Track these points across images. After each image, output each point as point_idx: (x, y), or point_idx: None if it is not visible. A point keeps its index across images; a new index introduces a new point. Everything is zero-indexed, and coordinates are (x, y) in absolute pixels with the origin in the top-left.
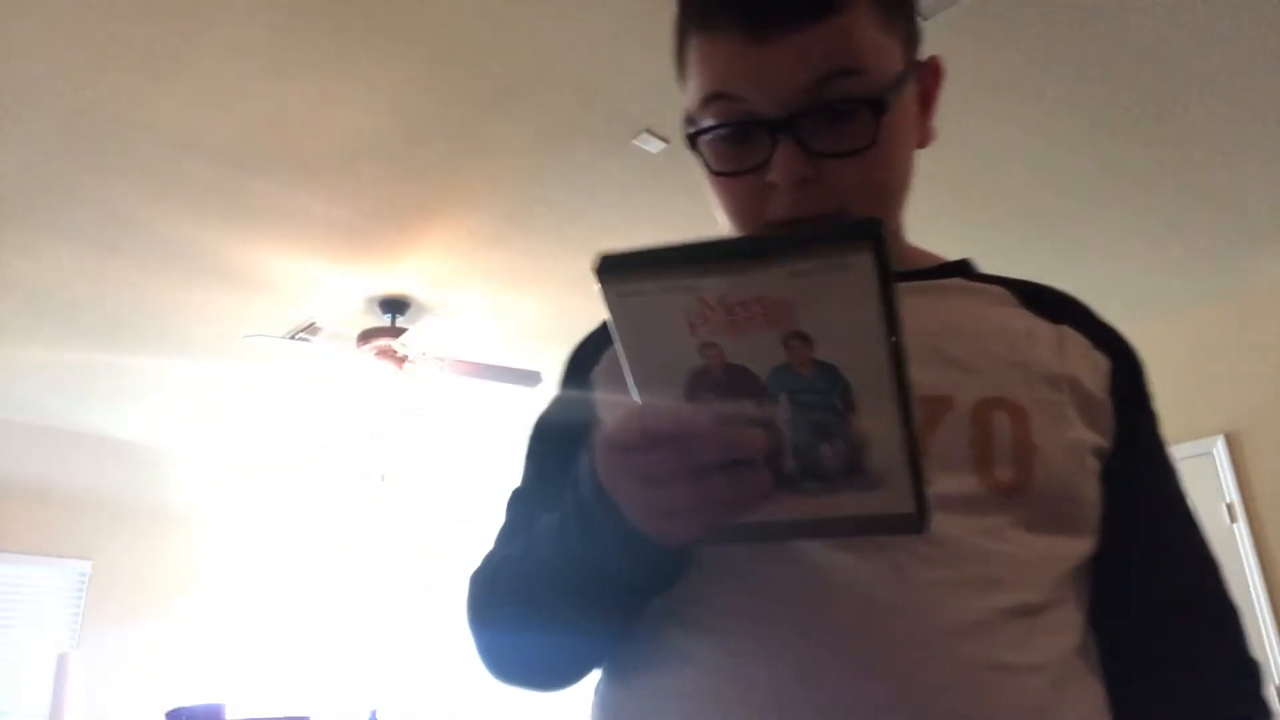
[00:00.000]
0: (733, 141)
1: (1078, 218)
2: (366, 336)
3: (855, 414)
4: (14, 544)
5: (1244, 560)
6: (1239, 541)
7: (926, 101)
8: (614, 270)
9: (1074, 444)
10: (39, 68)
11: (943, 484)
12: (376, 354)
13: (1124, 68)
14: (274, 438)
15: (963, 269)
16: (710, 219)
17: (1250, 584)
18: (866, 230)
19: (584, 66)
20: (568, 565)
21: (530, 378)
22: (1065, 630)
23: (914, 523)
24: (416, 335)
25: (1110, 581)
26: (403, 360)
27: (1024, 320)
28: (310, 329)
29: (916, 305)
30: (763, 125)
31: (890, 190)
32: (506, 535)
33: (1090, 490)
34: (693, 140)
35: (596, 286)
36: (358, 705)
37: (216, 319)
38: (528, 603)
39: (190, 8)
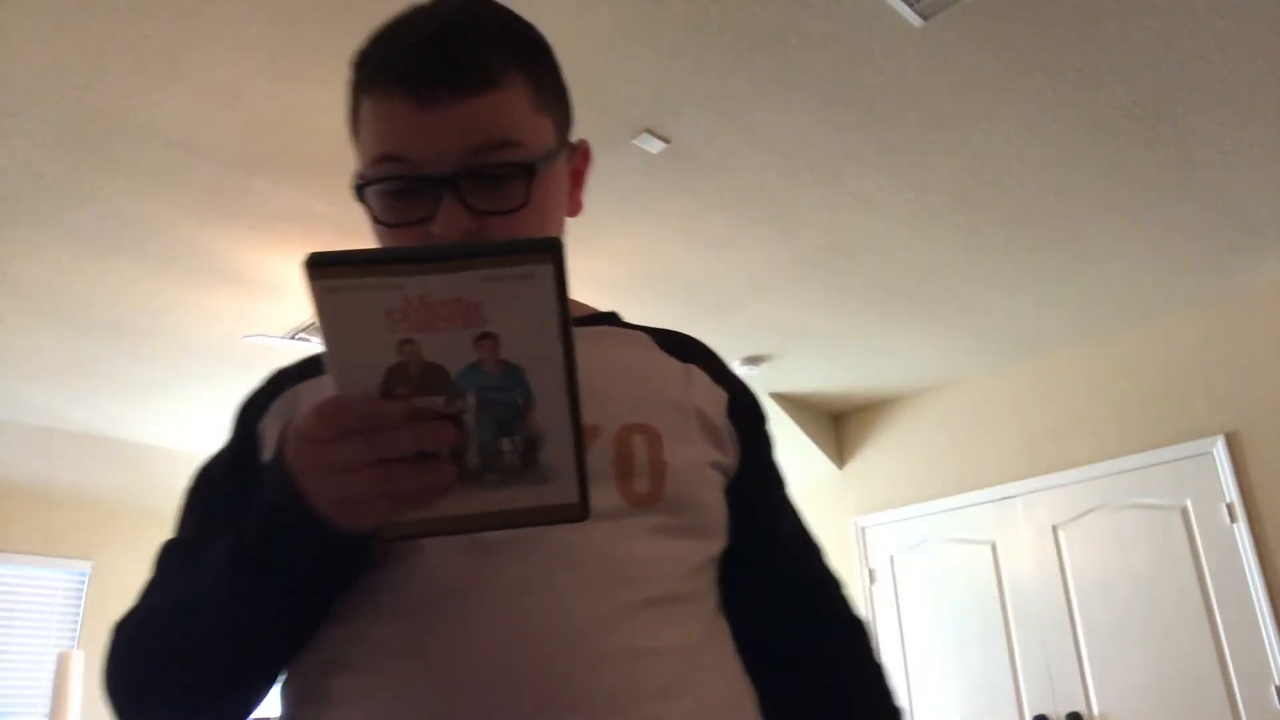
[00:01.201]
0: (399, 197)
1: (1078, 218)
2: None
3: (533, 411)
4: (14, 544)
5: (1244, 560)
6: (1239, 541)
7: (576, 178)
8: (323, 265)
9: (698, 461)
10: (39, 68)
11: (592, 498)
12: None
13: (1124, 68)
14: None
15: (612, 318)
16: (711, 219)
17: (1250, 584)
18: (550, 245)
19: (584, 66)
20: (244, 577)
21: None
22: (696, 618)
23: (576, 512)
24: None
25: (742, 570)
26: None
27: (659, 360)
28: (310, 329)
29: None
30: (428, 183)
31: None
32: (159, 585)
33: (713, 498)
34: (360, 192)
35: (305, 282)
36: None
37: (216, 319)
38: (187, 637)
39: (190, 8)
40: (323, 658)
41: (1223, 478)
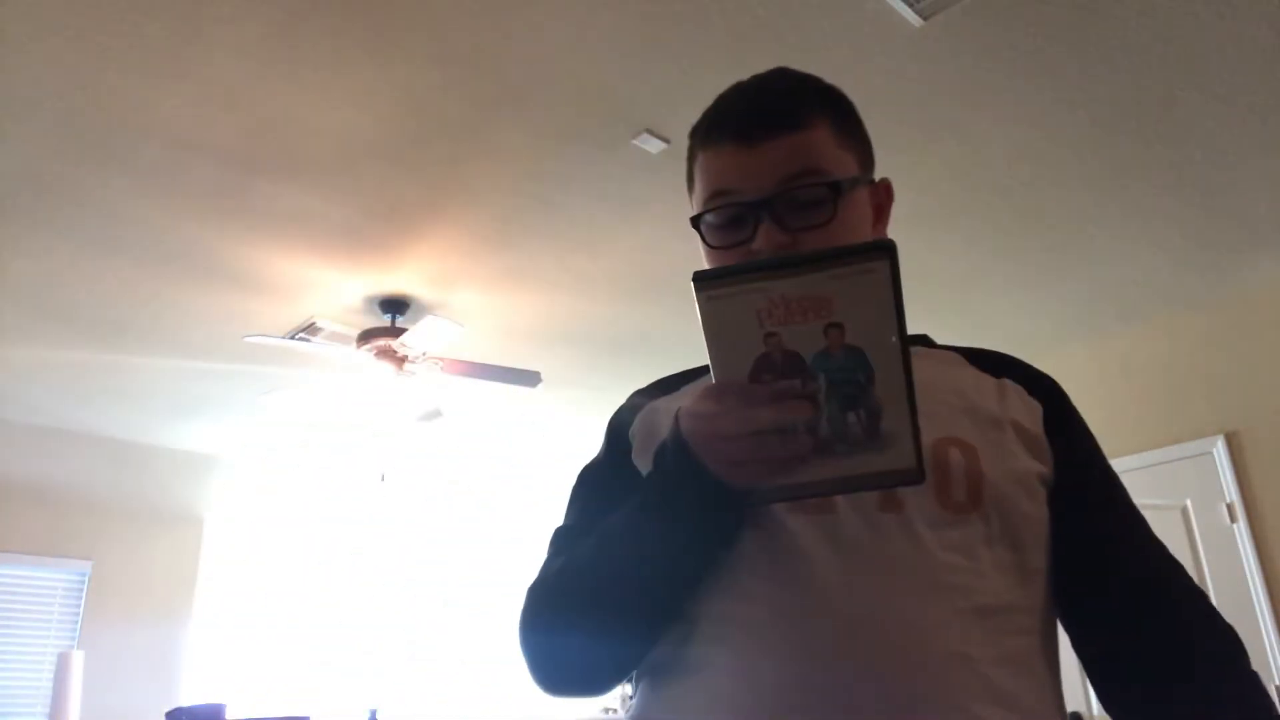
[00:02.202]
0: (726, 224)
1: (1078, 218)
2: (366, 336)
3: (874, 387)
4: (14, 544)
5: (1244, 560)
6: (1239, 541)
7: (879, 213)
8: (704, 279)
9: (1017, 472)
10: (39, 68)
11: (910, 507)
12: (376, 354)
13: (1124, 67)
14: (273, 437)
15: (924, 340)
16: None
17: (1250, 584)
18: (884, 246)
19: (584, 66)
20: (644, 531)
21: (529, 377)
22: (1022, 630)
23: (915, 475)
24: (416, 335)
25: (1080, 578)
26: (402, 360)
27: (972, 376)
28: (310, 329)
29: None
30: (748, 208)
31: None
32: (562, 553)
33: (1034, 509)
34: (696, 224)
35: (695, 293)
36: (358, 705)
37: (216, 319)
38: (596, 587)
39: (190, 8)
40: (678, 634)
41: (1223, 478)
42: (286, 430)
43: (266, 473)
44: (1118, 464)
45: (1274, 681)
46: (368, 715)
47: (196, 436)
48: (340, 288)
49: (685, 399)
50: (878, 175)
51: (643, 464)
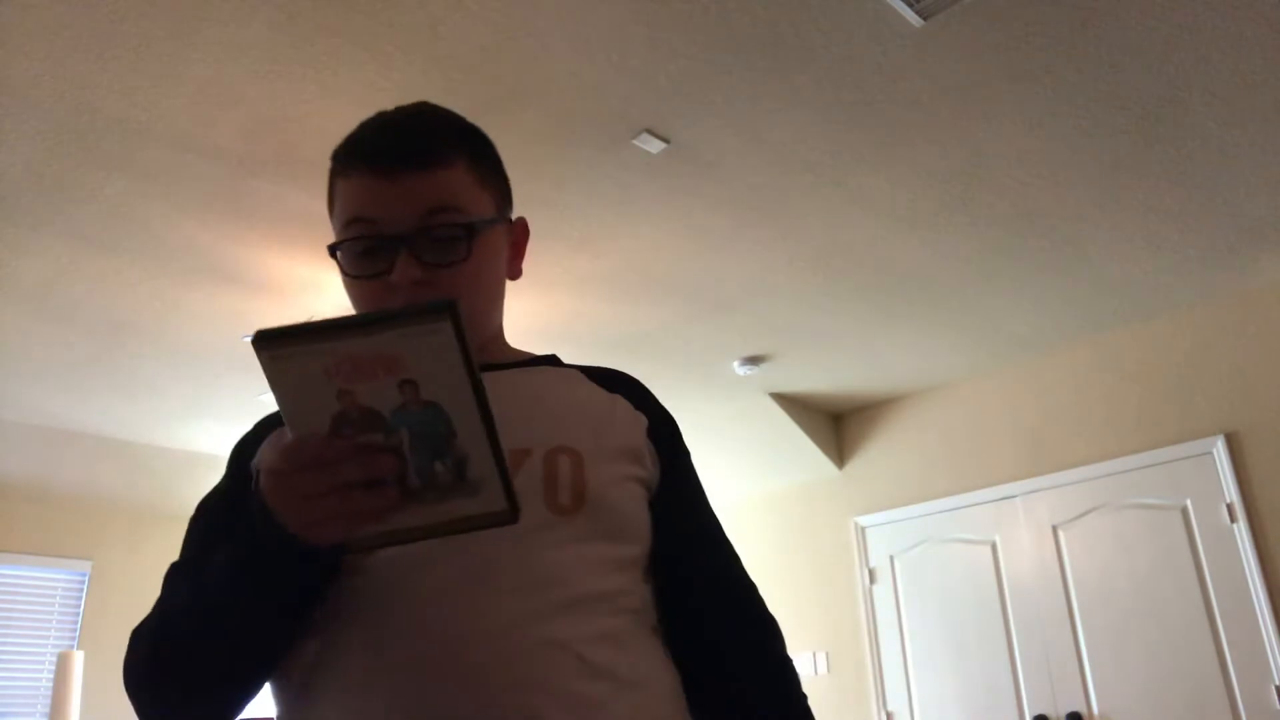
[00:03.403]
0: (364, 255)
1: (1078, 218)
2: None
3: (456, 437)
4: (14, 544)
5: (1244, 560)
6: (1239, 541)
7: (516, 249)
8: (267, 340)
9: (618, 476)
10: (39, 68)
11: (523, 512)
12: None
13: (1124, 67)
14: None
15: (552, 360)
16: (711, 219)
17: (1250, 584)
18: (445, 306)
19: (584, 66)
20: (236, 587)
21: None
22: (618, 613)
23: (507, 516)
24: None
25: (667, 572)
26: None
27: (587, 390)
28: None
29: (513, 382)
30: (387, 241)
31: (486, 298)
32: (168, 597)
33: (632, 507)
34: (333, 251)
35: (257, 353)
36: None
37: (216, 319)
38: (193, 637)
39: (190, 8)
40: (304, 661)
41: (1223, 478)
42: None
43: None
44: (1118, 464)
45: (1274, 681)
46: None
47: (196, 436)
48: (340, 288)
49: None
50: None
51: None
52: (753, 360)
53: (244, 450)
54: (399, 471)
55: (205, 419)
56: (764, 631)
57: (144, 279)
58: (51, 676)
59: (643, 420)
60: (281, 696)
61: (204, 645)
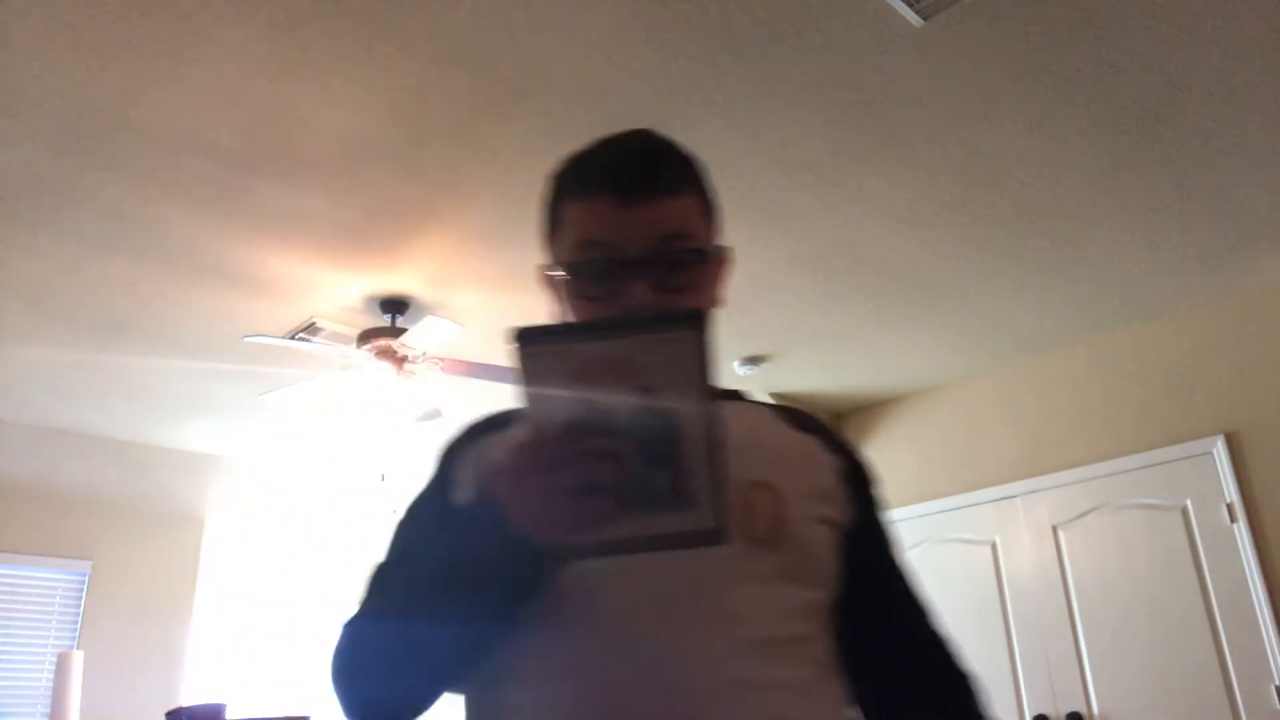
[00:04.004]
0: (600, 276)
1: (1078, 218)
2: (366, 336)
3: (681, 449)
4: (14, 544)
5: (1244, 560)
6: (1239, 541)
7: (721, 277)
8: (528, 337)
9: (814, 517)
10: (39, 68)
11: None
12: (376, 354)
13: (1124, 67)
14: (273, 437)
15: (738, 395)
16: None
17: (1250, 584)
18: (695, 314)
19: (584, 66)
20: (452, 580)
21: None
22: (804, 660)
23: (716, 536)
24: (416, 335)
25: (855, 622)
26: (402, 360)
27: (780, 429)
28: (310, 329)
29: None
30: (624, 265)
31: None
32: (377, 594)
33: (825, 550)
34: (568, 272)
35: (514, 349)
36: None
37: (216, 319)
38: (405, 635)
39: (190, 8)
40: (497, 669)
41: (1223, 478)
42: (286, 430)
43: (266, 473)
44: (1118, 464)
45: (1274, 681)
46: None
47: (196, 436)
48: (340, 288)
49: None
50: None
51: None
52: (753, 360)
53: (452, 454)
54: (619, 479)
55: (205, 419)
56: (963, 688)
57: (144, 279)
58: (51, 676)
59: (836, 462)
60: (472, 698)
61: (418, 638)
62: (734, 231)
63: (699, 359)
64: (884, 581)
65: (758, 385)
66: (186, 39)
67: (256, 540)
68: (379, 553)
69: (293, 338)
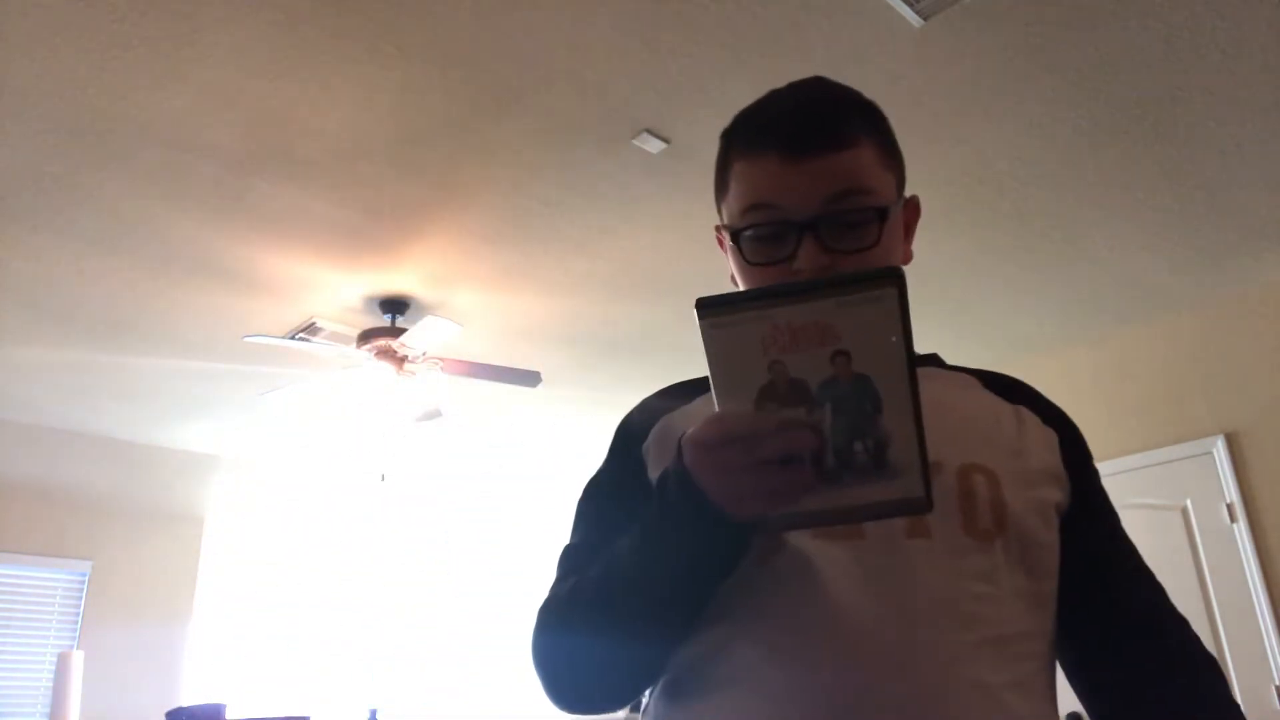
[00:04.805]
0: (766, 241)
1: (1078, 218)
2: (366, 336)
3: (881, 416)
4: (14, 544)
5: (1244, 560)
6: (1239, 541)
7: (908, 230)
8: (710, 307)
9: (1036, 500)
10: (39, 68)
11: (936, 534)
12: (376, 354)
13: (1124, 67)
14: (273, 437)
15: (934, 360)
16: (711, 219)
17: (1250, 584)
18: (893, 273)
19: (584, 66)
20: (649, 558)
21: (530, 377)
22: (1033, 656)
23: (923, 505)
24: (416, 335)
25: (1080, 606)
26: (402, 360)
27: (989, 402)
28: (310, 329)
29: None
30: (791, 227)
31: None
32: (571, 574)
33: (1050, 538)
34: (733, 238)
35: (699, 321)
36: (358, 705)
37: (216, 319)
38: (607, 608)
39: (190, 8)
40: (704, 642)
41: (1223, 478)
42: (286, 430)
43: (266, 473)
44: (1118, 464)
45: (1274, 681)
46: (368, 715)
47: (196, 436)
48: (340, 288)
49: (694, 417)
50: None
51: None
52: None
53: (632, 432)
54: (818, 449)
55: (205, 419)
56: (1205, 673)
57: (144, 279)
58: (51, 676)
59: (1054, 437)
60: (671, 677)
61: (620, 613)
62: None
63: (899, 320)
64: (1114, 563)
65: None
66: (186, 38)
67: (256, 540)
68: (565, 534)
69: (293, 338)
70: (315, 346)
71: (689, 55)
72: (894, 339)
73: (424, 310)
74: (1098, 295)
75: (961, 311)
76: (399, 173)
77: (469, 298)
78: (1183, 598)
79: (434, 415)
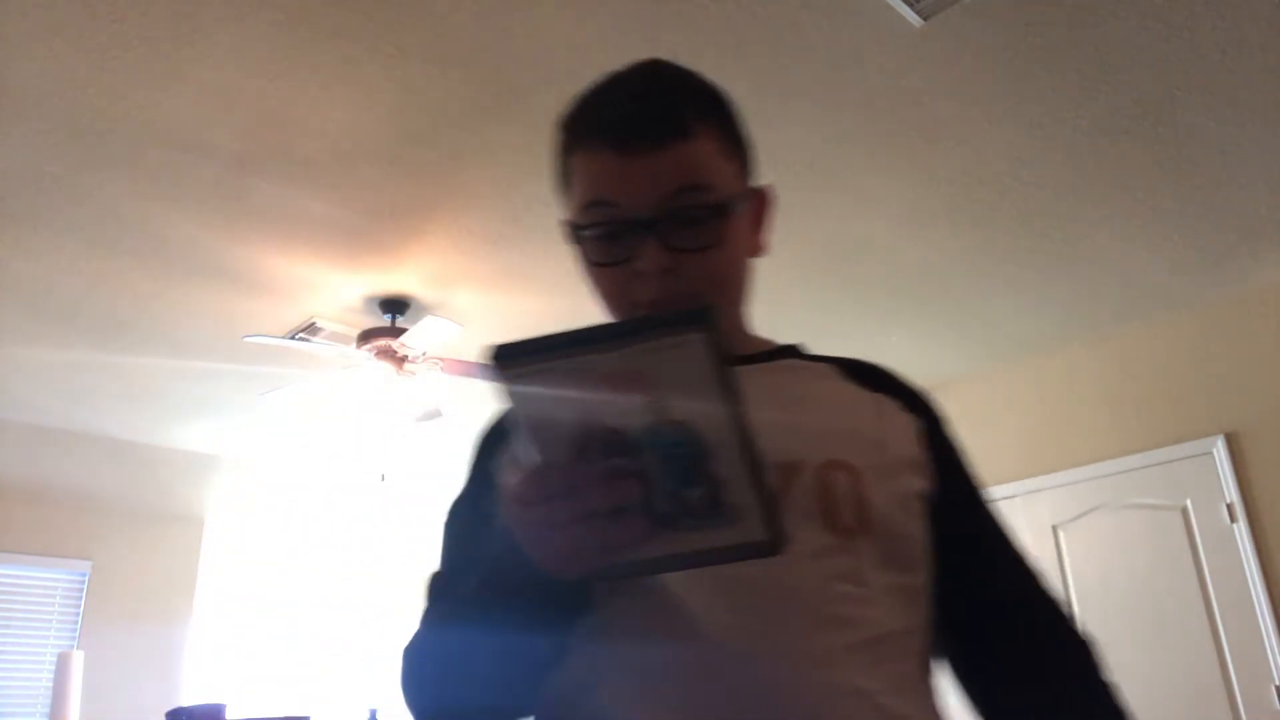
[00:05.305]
0: (607, 239)
1: (1077, 218)
2: (366, 336)
3: (710, 461)
4: (14, 544)
5: (1244, 560)
6: (1239, 541)
7: (758, 221)
8: (507, 358)
9: (899, 492)
10: (39, 68)
11: (799, 536)
12: (376, 354)
13: (1124, 68)
14: (273, 437)
15: (793, 351)
16: None
17: (1250, 584)
18: (700, 316)
19: (584, 66)
20: (485, 616)
21: None
22: (910, 654)
23: (768, 548)
24: (416, 335)
25: (953, 593)
26: (402, 360)
27: (849, 392)
28: (310, 329)
29: (768, 381)
30: (631, 225)
31: (733, 284)
32: (428, 614)
33: (916, 530)
34: (575, 236)
35: (495, 373)
36: (358, 705)
37: (216, 319)
38: (457, 662)
39: (190, 8)
40: (578, 678)
41: (1223, 478)
42: (286, 430)
43: (266, 473)
44: (1118, 464)
45: (1274, 681)
46: (368, 715)
47: (196, 436)
48: (340, 288)
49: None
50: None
51: None
52: None
53: (486, 446)
54: (646, 498)
55: (205, 419)
56: (1081, 654)
57: (144, 279)
58: (51, 676)
59: (915, 423)
60: (540, 712)
61: (469, 667)
62: None
63: (711, 362)
64: (983, 548)
65: None
66: (186, 38)
67: (256, 540)
68: (434, 560)
69: (293, 338)
70: (315, 346)
71: (689, 55)
72: (709, 383)
73: (424, 310)
74: (1098, 295)
75: (962, 311)
76: (399, 173)
77: (469, 298)
78: (1183, 598)
79: (434, 415)
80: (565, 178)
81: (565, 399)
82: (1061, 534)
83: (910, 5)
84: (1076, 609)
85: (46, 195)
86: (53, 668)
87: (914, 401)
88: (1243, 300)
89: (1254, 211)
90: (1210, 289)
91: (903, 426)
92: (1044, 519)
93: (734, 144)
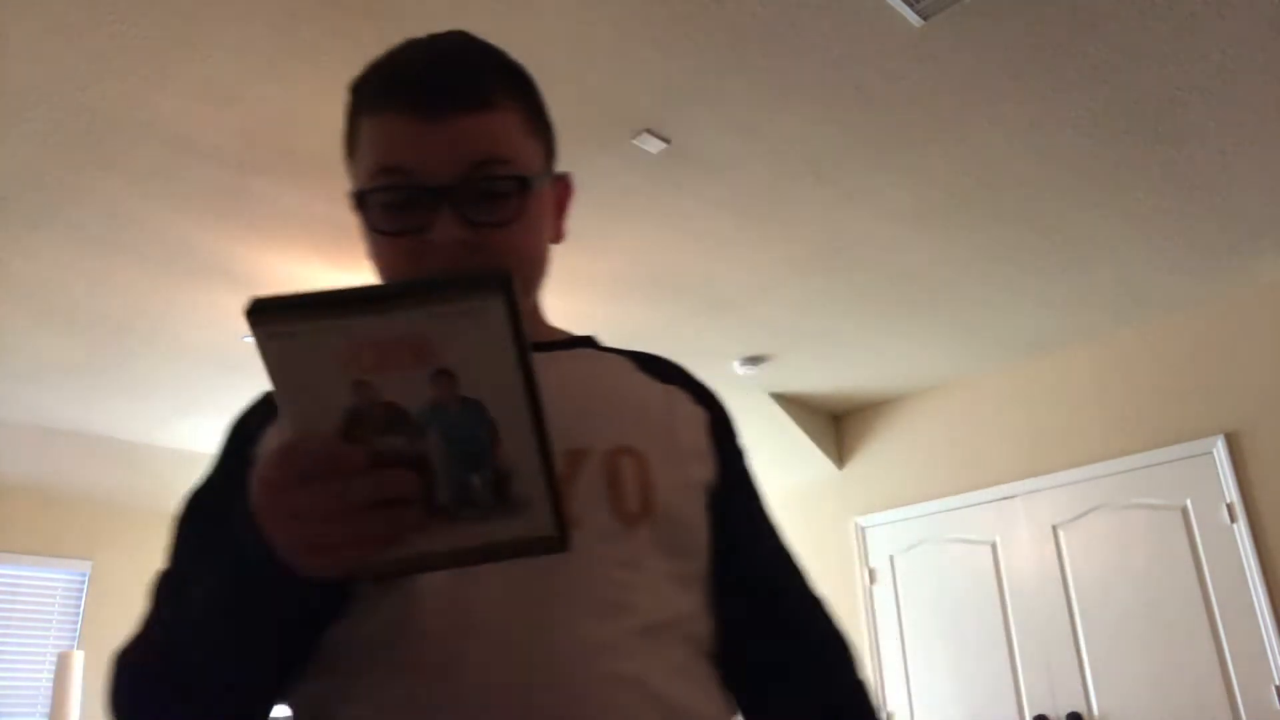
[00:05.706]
0: (398, 208)
1: (1078, 218)
2: None
3: (499, 445)
4: (14, 544)
5: (1244, 560)
6: (1239, 541)
7: (559, 208)
8: (265, 312)
9: (684, 481)
10: (39, 68)
11: (585, 522)
12: None
13: (1124, 67)
14: None
15: (589, 342)
16: (711, 219)
17: (1250, 584)
18: (498, 278)
19: (584, 66)
20: (218, 621)
21: None
22: (688, 638)
23: (555, 543)
24: None
25: (725, 583)
26: None
27: (641, 382)
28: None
29: (561, 368)
30: (427, 194)
31: (532, 264)
32: (152, 618)
33: (698, 518)
34: (359, 202)
35: (250, 329)
36: None
37: (216, 319)
38: (177, 672)
39: (190, 8)
40: (314, 697)
41: (1223, 478)
42: None
43: None
44: (1118, 464)
45: (1274, 681)
46: None
47: (196, 436)
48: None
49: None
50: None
51: None
52: (753, 360)
53: (244, 429)
54: (423, 488)
55: (205, 419)
56: (833, 651)
57: (144, 279)
58: (51, 676)
59: (703, 415)
60: None
61: (188, 681)
62: (734, 232)
63: (509, 333)
64: (756, 542)
65: (758, 385)
66: (186, 39)
67: None
68: (168, 529)
69: None
70: None
71: (689, 55)
72: (506, 357)
73: None
74: (1098, 295)
75: (962, 311)
76: None
77: None
78: (1183, 598)
79: None
80: (353, 143)
81: (333, 365)
82: (1061, 534)
83: (910, 5)
84: (1077, 609)
85: (47, 195)
86: (53, 668)
87: (704, 396)
88: (1242, 300)
89: (1254, 211)
90: (1210, 289)
91: (692, 418)
92: (1044, 519)
93: (538, 123)
